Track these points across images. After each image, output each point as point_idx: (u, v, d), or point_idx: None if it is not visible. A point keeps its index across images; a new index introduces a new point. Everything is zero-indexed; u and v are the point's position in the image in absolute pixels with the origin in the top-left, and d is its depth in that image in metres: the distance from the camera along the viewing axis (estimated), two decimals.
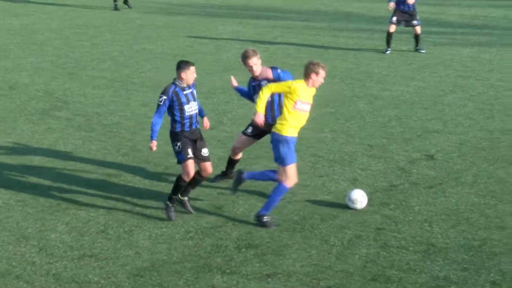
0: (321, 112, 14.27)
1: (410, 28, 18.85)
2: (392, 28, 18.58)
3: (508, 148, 12.24)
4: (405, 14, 18.43)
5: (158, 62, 18.19)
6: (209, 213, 9.95)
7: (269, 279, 8.31)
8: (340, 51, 19.07)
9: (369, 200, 10.06)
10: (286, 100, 9.45)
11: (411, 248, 8.91)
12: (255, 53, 10.31)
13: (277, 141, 9.40)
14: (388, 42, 18.76)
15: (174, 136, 9.88)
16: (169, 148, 12.31)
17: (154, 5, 24.97)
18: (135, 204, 10.21)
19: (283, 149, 9.37)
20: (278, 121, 9.55)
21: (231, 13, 23.97)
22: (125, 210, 10.04)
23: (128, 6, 24.75)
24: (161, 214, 9.89)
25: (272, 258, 8.75)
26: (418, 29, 18.51)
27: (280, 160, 9.42)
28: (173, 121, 9.85)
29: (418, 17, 18.45)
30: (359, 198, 9.95)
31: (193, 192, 10.35)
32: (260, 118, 9.40)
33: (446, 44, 19.53)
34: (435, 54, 18.59)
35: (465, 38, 20.18)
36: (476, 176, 10.99)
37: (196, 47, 19.66)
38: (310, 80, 9.54)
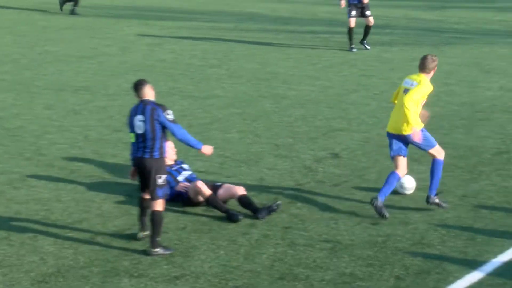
0: (227, 113, 14.32)
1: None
2: (353, 23, 18.80)
3: (410, 145, 12.48)
4: (359, 7, 18.73)
5: (61, 65, 17.91)
6: (116, 216, 9.86)
7: (177, 281, 8.29)
8: (246, 52, 19.16)
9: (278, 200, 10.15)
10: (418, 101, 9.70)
11: (317, 245, 9.01)
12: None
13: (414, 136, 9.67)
14: (350, 39, 18.95)
15: (163, 166, 8.97)
16: (75, 151, 12.22)
17: (57, 6, 24.57)
18: (40, 209, 10.04)
19: (424, 138, 9.73)
20: (402, 123, 9.68)
21: (137, 14, 23.80)
22: (28, 216, 9.86)
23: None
24: (66, 218, 9.75)
25: (180, 260, 8.72)
26: (371, 19, 18.77)
27: (428, 146, 9.80)
28: (161, 146, 8.91)
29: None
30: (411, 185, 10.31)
31: (100, 195, 10.27)
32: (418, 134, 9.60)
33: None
34: (339, 54, 18.84)
35: (368, 37, 20.48)
36: (380, 173, 11.18)
37: (101, 49, 19.44)
38: (431, 74, 9.96)
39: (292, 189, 10.68)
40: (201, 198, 9.90)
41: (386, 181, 9.73)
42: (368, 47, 19.13)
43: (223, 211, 9.73)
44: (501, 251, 8.78)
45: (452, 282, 8.19)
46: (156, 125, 8.83)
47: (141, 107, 8.93)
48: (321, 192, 10.57)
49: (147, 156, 8.85)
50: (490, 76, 16.55)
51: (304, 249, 8.95)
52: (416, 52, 18.67)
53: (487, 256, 8.70)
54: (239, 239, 9.20)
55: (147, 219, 9.05)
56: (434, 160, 9.88)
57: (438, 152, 9.90)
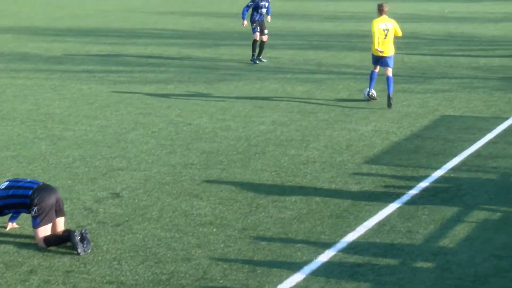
0: (2, 156, 13.88)
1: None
2: (257, 37, 22.21)
3: (190, 181, 12.66)
4: (261, 24, 22.21)
5: None
6: None
7: None
8: (19, 93, 18.69)
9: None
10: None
11: None
12: None
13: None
14: (254, 50, 22.32)
15: None
16: None
17: None
18: None
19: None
20: (390, 48, 17.19)
21: None
22: None
23: None
24: None
25: None
26: (267, 37, 22.43)
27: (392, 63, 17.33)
28: None
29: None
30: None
31: None
32: None
33: (126, 83, 19.85)
34: (116, 92, 18.82)
35: (143, 76, 20.64)
36: (161, 210, 11.24)
37: None
38: None
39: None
40: None
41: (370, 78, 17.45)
42: (265, 60, 22.52)
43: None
44: (280, 280, 9.06)
45: None
46: None
47: None
48: (102, 233, 10.47)
49: None
50: (263, 111, 17.13)
51: None
52: (192, 89, 19.06)
53: (267, 286, 8.96)
54: (18, 287, 8.91)
55: None
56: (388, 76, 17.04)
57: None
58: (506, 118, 16.15)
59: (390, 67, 17.21)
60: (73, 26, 28.73)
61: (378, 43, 16.99)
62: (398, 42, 24.92)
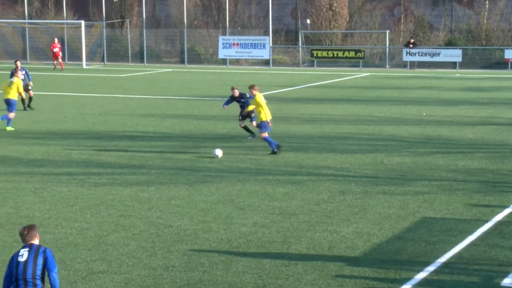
0: None
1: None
2: (243, 124, 26.35)
3: (171, 284, 12.56)
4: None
5: None
6: None
7: None
8: None
9: None
10: None
11: None
12: None
13: None
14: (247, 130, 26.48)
15: None
16: None
17: None
18: None
19: None
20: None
21: None
22: None
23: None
24: None
25: None
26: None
27: None
28: None
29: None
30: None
31: None
32: None
33: (107, 185, 19.83)
34: (97, 195, 18.79)
35: (124, 178, 20.65)
36: None
37: None
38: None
39: None
40: None
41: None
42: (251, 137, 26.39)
43: None
44: None
45: None
46: None
47: None
48: None
49: None
50: (244, 213, 17.13)
51: None
52: (173, 191, 19.07)
53: None
54: None
55: None
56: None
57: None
58: (487, 221, 16.23)
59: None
60: (54, 129, 28.85)
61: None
62: (377, 144, 25.24)
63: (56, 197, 18.53)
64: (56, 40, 58.93)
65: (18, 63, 35.08)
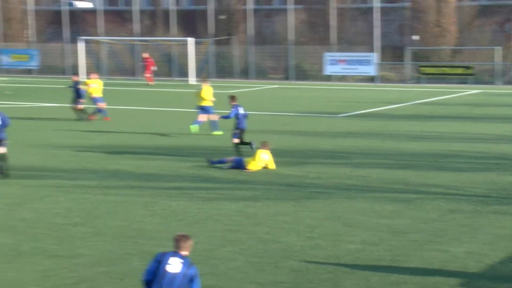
0: (94, 272, 14.04)
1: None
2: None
3: None
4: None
5: None
6: None
7: None
8: (110, 209, 19.03)
9: None
10: None
11: None
12: None
13: None
14: (245, 143, 26.19)
15: None
16: None
17: None
18: None
19: None
20: None
21: None
22: None
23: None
24: None
25: None
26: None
27: None
28: None
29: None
30: None
31: None
32: None
33: (214, 199, 20.02)
34: (204, 209, 18.98)
35: (231, 193, 20.81)
36: None
37: None
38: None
39: None
40: None
41: None
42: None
43: None
44: None
45: None
46: None
47: None
48: None
49: None
50: (352, 230, 17.00)
51: None
52: (279, 207, 19.10)
53: None
54: None
55: None
56: None
57: None
58: None
59: None
60: (163, 144, 29.34)
61: None
62: (488, 163, 24.66)
63: (166, 211, 18.81)
64: (147, 54, 60.43)
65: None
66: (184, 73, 63.62)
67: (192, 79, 61.45)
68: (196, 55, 63.00)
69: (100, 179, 22.70)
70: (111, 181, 22.53)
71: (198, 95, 32.16)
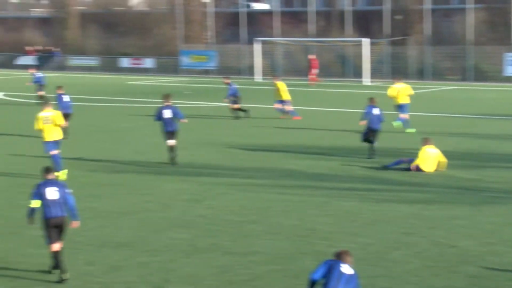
0: (268, 269, 14.21)
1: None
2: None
3: None
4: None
5: (102, 220, 18.05)
6: None
7: None
8: (284, 208, 19.20)
9: None
10: None
11: None
12: None
13: None
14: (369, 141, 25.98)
15: None
16: None
17: (97, 163, 25.01)
18: None
19: None
20: None
21: (175, 170, 24.09)
22: None
23: None
24: None
25: None
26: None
27: None
28: None
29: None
30: None
31: None
32: None
33: (388, 201, 19.80)
34: (378, 211, 18.81)
35: (405, 195, 20.52)
36: None
37: (141, 205, 19.60)
38: None
39: None
40: None
41: None
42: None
43: None
44: None
45: None
46: None
47: None
48: None
49: None
50: None
51: None
52: (455, 211, 18.63)
53: None
54: None
55: None
56: None
57: None
58: None
59: None
60: (336, 145, 29.30)
61: None
62: None
63: (339, 212, 18.78)
64: (313, 56, 60.68)
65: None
66: (358, 73, 63.33)
67: (366, 80, 61.06)
68: (371, 56, 62.57)
69: (276, 179, 22.92)
70: (285, 180, 22.72)
71: (399, 94, 32.71)
